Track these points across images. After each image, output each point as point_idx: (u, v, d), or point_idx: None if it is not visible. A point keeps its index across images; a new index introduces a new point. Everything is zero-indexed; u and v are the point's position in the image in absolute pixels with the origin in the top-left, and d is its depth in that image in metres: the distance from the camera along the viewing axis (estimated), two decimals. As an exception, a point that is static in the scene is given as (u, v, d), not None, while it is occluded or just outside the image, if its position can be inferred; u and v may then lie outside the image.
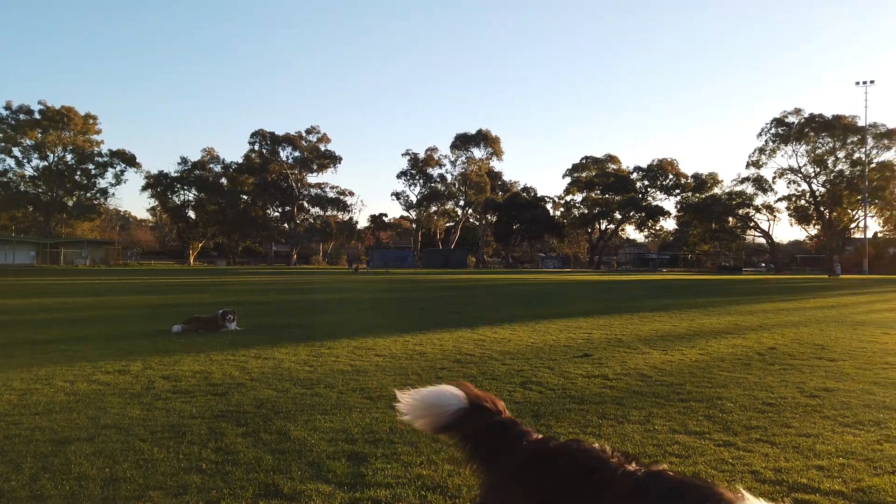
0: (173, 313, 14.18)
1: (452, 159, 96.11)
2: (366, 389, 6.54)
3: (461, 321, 13.65)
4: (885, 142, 76.14)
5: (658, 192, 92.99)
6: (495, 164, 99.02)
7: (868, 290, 31.12)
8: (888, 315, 16.33)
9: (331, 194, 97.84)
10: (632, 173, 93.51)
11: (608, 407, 5.89)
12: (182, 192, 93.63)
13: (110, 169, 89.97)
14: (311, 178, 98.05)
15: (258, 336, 10.86)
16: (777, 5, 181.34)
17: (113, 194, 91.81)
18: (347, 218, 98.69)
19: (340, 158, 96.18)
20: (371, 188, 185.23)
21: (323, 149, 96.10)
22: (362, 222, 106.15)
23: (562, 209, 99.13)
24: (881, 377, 7.48)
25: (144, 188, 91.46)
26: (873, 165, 76.38)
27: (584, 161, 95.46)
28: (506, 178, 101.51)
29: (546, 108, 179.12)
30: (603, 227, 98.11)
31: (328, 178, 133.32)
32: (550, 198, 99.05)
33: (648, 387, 6.87)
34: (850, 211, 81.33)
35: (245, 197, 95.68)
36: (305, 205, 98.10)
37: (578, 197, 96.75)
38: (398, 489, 3.76)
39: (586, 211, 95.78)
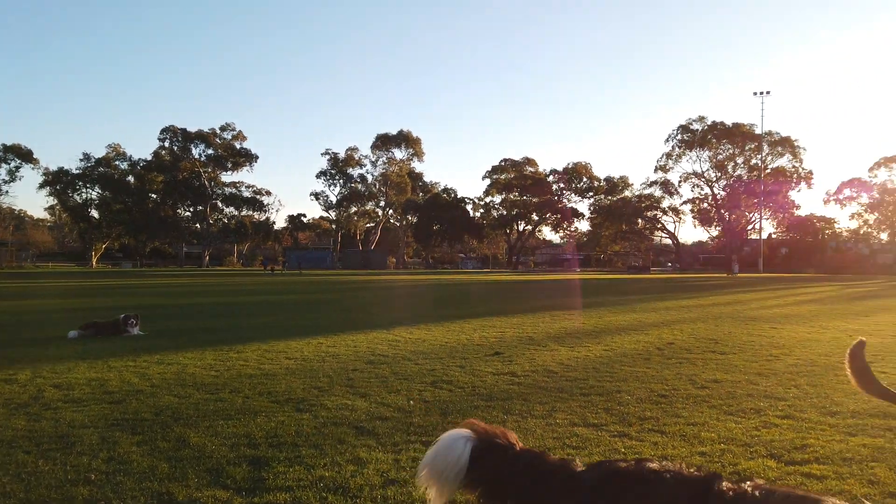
0: (70, 318, 13.38)
1: (373, 159, 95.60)
2: (273, 393, 6.42)
3: (377, 322, 13.61)
4: (779, 149, 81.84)
5: (573, 195, 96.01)
6: (416, 165, 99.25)
7: (761, 287, 33.33)
8: (777, 311, 17.56)
9: (246, 193, 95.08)
10: (548, 176, 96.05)
11: (514, 403, 6.05)
12: (84, 191, 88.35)
13: (3, 165, 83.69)
14: (226, 177, 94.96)
15: (162, 341, 10.43)
16: (685, 19, 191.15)
17: (6, 192, 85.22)
18: (264, 218, 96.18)
19: (257, 157, 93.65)
20: (289, 188, 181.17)
21: (238, 147, 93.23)
22: (280, 223, 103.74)
23: (481, 210, 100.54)
24: (765, 368, 8.05)
25: (42, 186, 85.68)
26: (768, 171, 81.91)
27: (502, 163, 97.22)
28: (427, 179, 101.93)
29: (467, 109, 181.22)
30: (521, 228, 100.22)
31: (244, 176, 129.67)
32: (471, 199, 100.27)
33: (554, 382, 7.10)
34: (747, 213, 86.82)
35: (154, 196, 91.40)
36: (219, 204, 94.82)
37: (497, 198, 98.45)
38: (298, 492, 3.72)
39: (505, 212, 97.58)
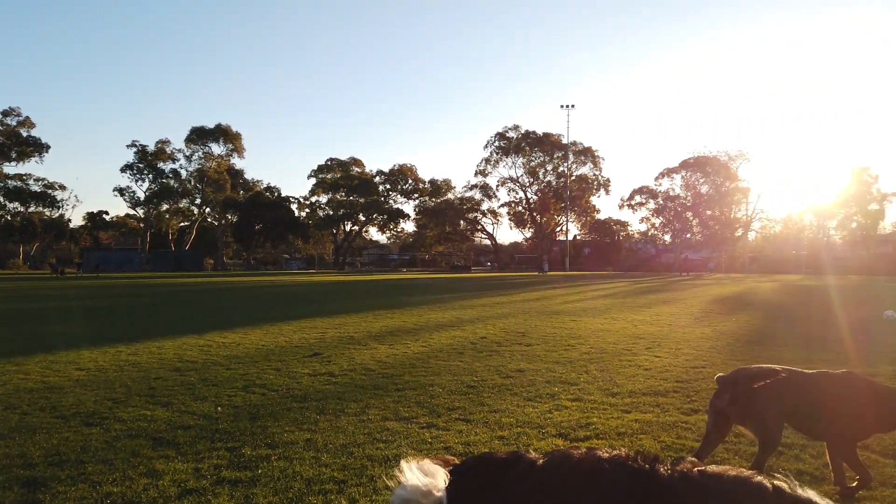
0: None
1: (188, 154, 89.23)
2: (58, 407, 5.78)
3: (188, 327, 12.78)
4: (582, 158, 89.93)
5: (399, 196, 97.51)
6: (236, 162, 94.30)
7: (566, 284, 36.40)
8: (577, 305, 19.30)
9: (35, 187, 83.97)
10: (375, 177, 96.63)
11: (328, 402, 6.04)
12: None
13: None
14: (9, 169, 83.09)
15: (-82, 356, 8.90)
16: (506, 33, 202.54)
17: None
18: (57, 215, 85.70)
19: (48, 147, 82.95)
20: (89, 183, 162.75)
21: (25, 134, 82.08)
22: (77, 220, 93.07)
23: (307, 210, 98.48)
24: (563, 357, 8.83)
25: None
26: (573, 178, 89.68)
27: (329, 163, 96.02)
28: (248, 176, 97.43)
29: (291, 106, 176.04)
30: (347, 228, 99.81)
31: (32, 168, 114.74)
32: (295, 198, 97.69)
33: (370, 380, 7.19)
34: (556, 216, 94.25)
35: (-88, 187, 77.40)
36: (1, 199, 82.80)
37: (323, 198, 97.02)
38: (81, 512, 3.41)
39: (331, 212, 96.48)
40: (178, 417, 5.43)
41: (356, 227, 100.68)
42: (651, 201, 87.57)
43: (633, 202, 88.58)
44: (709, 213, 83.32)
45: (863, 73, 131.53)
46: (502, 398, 6.15)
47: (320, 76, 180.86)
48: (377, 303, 20.37)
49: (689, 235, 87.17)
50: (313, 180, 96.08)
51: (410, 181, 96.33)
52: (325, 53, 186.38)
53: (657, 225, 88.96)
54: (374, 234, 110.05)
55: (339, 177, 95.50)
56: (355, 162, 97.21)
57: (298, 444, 4.66)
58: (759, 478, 1.81)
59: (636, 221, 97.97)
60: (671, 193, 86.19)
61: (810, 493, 1.79)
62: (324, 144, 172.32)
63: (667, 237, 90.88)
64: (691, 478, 1.82)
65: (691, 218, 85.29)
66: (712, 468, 1.86)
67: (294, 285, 34.58)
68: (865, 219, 75.01)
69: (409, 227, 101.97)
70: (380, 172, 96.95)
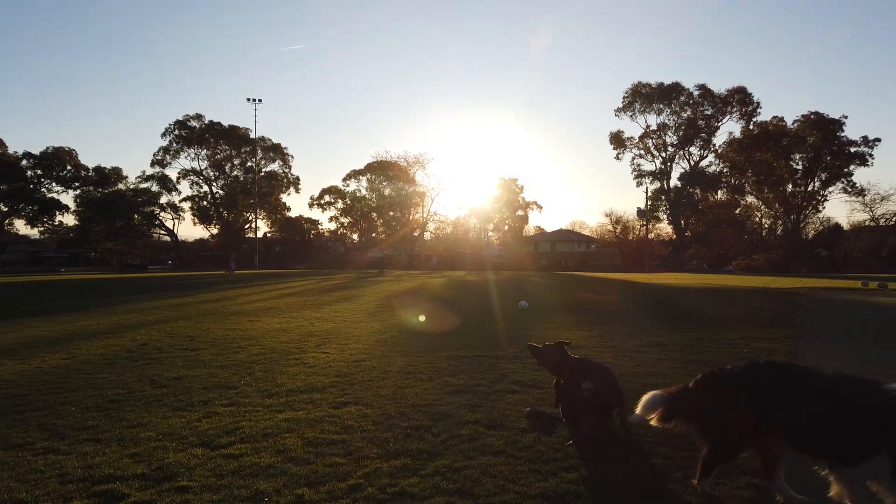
0: None
1: None
2: None
3: None
4: (271, 154, 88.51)
5: (55, 184, 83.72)
6: None
7: (253, 283, 35.40)
8: (259, 305, 18.91)
9: None
10: (21, 160, 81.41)
11: (-89, 439, 4.87)
12: None
13: None
14: None
15: None
16: (188, 15, 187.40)
17: None
18: None
19: None
20: None
21: None
22: None
23: (-81, 196, 78.31)
24: (229, 360, 8.55)
25: None
26: (262, 174, 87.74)
27: (-46, 139, 77.79)
28: None
29: None
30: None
31: None
32: None
33: (-16, 404, 6.02)
34: (244, 213, 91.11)
35: None
36: None
37: (-55, 182, 78.24)
38: None
39: (-41, 200, 78.37)
40: None
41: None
42: (340, 201, 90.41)
43: (322, 201, 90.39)
44: (391, 214, 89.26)
45: (511, 99, 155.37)
46: (148, 411, 5.69)
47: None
48: (16, 310, 17.15)
49: (374, 234, 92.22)
50: (-70, 159, 76.94)
51: (70, 167, 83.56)
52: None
53: (346, 224, 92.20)
54: (21, 227, 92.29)
55: (-28, 157, 78.19)
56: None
57: None
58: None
59: (326, 220, 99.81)
60: (357, 194, 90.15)
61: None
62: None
63: (355, 236, 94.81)
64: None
65: (376, 218, 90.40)
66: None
67: None
68: (514, 222, 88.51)
69: (69, 220, 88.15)
70: (28, 155, 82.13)
